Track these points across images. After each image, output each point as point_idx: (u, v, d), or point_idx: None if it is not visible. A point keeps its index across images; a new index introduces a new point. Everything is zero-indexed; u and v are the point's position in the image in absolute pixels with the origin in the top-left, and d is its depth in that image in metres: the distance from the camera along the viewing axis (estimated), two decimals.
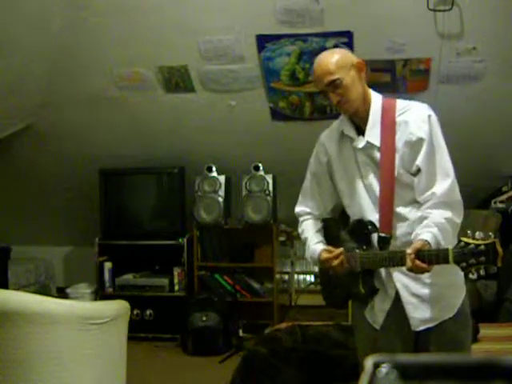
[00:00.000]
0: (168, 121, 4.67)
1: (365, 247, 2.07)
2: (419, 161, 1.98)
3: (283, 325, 3.81)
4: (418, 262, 1.83)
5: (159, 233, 4.93)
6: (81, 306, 2.66)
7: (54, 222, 5.55)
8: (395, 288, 2.05)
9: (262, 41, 3.93)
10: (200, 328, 4.49)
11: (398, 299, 2.05)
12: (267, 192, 4.73)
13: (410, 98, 4.28)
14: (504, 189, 4.56)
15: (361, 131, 2.09)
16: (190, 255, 4.89)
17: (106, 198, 4.97)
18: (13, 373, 2.38)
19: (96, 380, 2.57)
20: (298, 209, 2.32)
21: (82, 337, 2.49)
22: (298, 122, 4.49)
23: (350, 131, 2.10)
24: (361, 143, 2.06)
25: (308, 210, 2.27)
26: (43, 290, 5.36)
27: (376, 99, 2.08)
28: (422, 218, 1.95)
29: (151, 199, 5.13)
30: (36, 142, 4.93)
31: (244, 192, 4.77)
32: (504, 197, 4.46)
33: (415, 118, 2.02)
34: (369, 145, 2.05)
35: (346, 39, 3.84)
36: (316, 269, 5.41)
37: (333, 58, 2.02)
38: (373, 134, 2.04)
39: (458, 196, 1.99)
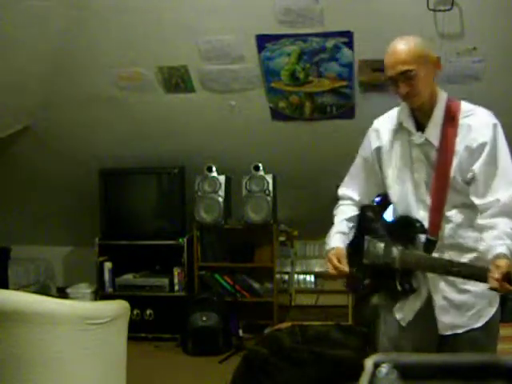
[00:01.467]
0: (168, 121, 4.67)
1: (410, 246, 2.03)
2: (479, 164, 1.92)
3: (283, 325, 3.81)
4: (507, 286, 1.72)
5: (159, 233, 4.92)
6: (81, 305, 2.66)
7: (54, 221, 5.55)
8: (427, 289, 2.04)
9: (262, 41, 3.93)
10: (200, 328, 4.49)
11: (429, 300, 2.04)
12: (267, 192, 4.72)
13: None
14: None
15: (419, 126, 2.04)
16: (190, 255, 4.89)
17: (106, 198, 4.97)
18: (13, 373, 2.38)
19: (96, 380, 2.56)
20: (341, 191, 2.29)
21: (82, 337, 2.49)
22: (298, 121, 4.49)
23: (409, 124, 2.05)
24: (419, 139, 2.02)
25: (349, 194, 2.25)
26: (43, 290, 5.36)
27: (442, 97, 2.03)
28: (487, 228, 1.87)
29: (151, 199, 5.13)
30: (36, 142, 4.93)
31: (244, 192, 4.77)
32: None
33: (480, 123, 1.97)
34: (427, 142, 2.01)
35: (346, 39, 3.84)
36: (316, 269, 5.44)
37: (410, 48, 1.95)
38: (433, 132, 2.00)
39: None
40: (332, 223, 2.26)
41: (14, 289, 4.79)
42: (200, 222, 4.83)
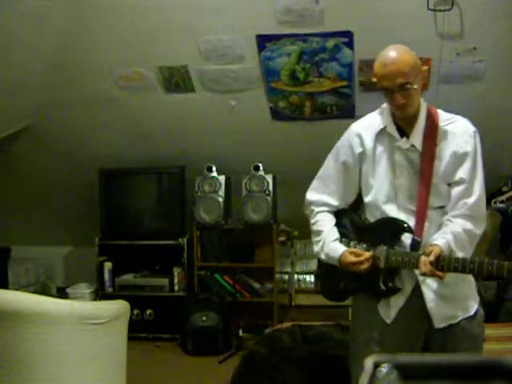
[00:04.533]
0: (168, 121, 4.67)
1: (395, 246, 2.08)
2: (464, 173, 2.04)
3: (283, 325, 3.81)
4: (429, 267, 1.90)
5: (159, 233, 4.92)
6: (81, 305, 2.66)
7: (54, 221, 5.55)
8: (412, 284, 2.08)
9: (262, 41, 3.93)
10: (200, 328, 4.49)
11: (413, 295, 2.08)
12: (267, 192, 4.72)
13: None
14: (504, 189, 4.56)
15: (401, 132, 2.10)
16: (190, 255, 4.89)
17: (106, 198, 4.97)
18: (13, 373, 2.38)
19: (96, 380, 2.56)
20: (313, 197, 2.27)
21: (82, 337, 2.49)
22: (298, 121, 4.49)
23: (394, 131, 2.10)
24: (405, 144, 2.08)
25: (325, 199, 2.24)
26: (43, 290, 5.37)
27: (423, 105, 2.11)
28: (443, 225, 2.03)
29: (151, 199, 5.13)
30: (36, 142, 4.93)
31: (244, 192, 4.77)
32: (504, 197, 4.46)
33: (463, 131, 2.08)
34: (412, 148, 2.08)
35: (346, 39, 3.83)
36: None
37: (410, 59, 2.01)
38: (417, 138, 2.07)
39: (484, 210, 2.09)
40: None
41: (14, 289, 4.79)
42: (200, 222, 4.83)
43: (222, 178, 4.84)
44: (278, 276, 4.98)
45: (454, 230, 1.99)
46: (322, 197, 2.25)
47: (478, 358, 0.73)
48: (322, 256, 2.21)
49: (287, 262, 5.35)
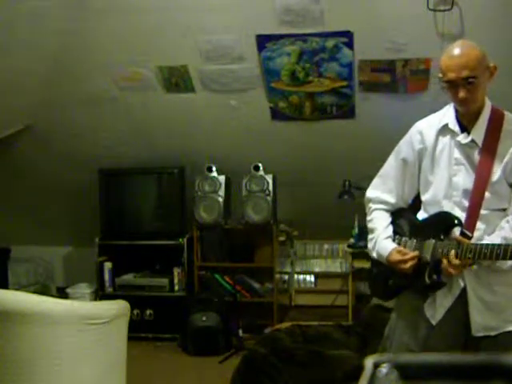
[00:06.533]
0: (168, 121, 4.67)
1: (442, 237, 2.04)
2: None
3: (283, 325, 3.81)
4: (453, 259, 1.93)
5: (159, 233, 4.92)
6: (81, 306, 2.66)
7: (54, 221, 5.55)
8: (460, 287, 2.03)
9: (262, 41, 3.93)
10: (200, 328, 4.49)
11: (460, 298, 2.04)
12: (267, 192, 4.72)
13: (410, 98, 4.28)
14: None
15: (463, 129, 2.07)
16: (190, 255, 4.89)
17: (106, 198, 4.97)
18: (13, 373, 2.38)
19: (96, 380, 2.56)
20: (371, 194, 2.27)
21: (82, 337, 2.48)
22: (298, 121, 4.49)
23: (456, 127, 2.07)
24: (465, 139, 2.04)
25: (383, 197, 2.23)
26: (43, 290, 5.37)
27: (488, 103, 2.09)
28: (499, 228, 1.99)
29: (151, 199, 5.13)
30: (36, 141, 4.93)
31: (244, 192, 4.77)
32: None
33: None
34: (472, 144, 2.04)
35: (346, 39, 3.83)
36: (316, 269, 5.45)
37: (477, 54, 1.99)
38: (478, 134, 2.04)
39: None
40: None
41: (14, 289, 4.79)
42: (200, 222, 4.83)
43: (221, 178, 4.84)
44: (277, 276, 4.98)
45: (506, 235, 1.95)
46: (380, 194, 2.24)
47: (478, 358, 0.73)
48: (374, 254, 2.20)
49: (287, 262, 5.35)
